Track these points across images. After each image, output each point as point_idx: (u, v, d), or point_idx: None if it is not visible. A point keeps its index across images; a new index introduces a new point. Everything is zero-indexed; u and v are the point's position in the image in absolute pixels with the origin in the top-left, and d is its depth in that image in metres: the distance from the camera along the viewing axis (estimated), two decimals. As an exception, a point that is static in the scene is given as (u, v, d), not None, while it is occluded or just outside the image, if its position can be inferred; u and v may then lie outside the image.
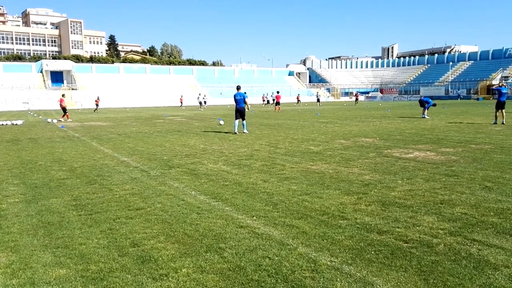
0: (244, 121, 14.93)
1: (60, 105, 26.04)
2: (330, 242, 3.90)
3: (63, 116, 25.54)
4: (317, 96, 51.43)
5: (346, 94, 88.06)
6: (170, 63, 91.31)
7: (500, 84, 18.88)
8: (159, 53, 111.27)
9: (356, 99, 54.19)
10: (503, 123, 16.35)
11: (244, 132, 14.65)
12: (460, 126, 16.05)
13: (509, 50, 77.71)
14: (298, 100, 54.11)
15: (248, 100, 15.57)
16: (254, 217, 4.73)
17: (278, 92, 38.01)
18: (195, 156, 9.58)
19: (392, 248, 3.74)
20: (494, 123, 16.53)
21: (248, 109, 15.18)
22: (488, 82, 70.70)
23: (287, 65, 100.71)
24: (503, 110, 16.78)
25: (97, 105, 42.78)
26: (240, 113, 14.74)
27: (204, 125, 19.37)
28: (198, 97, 44.69)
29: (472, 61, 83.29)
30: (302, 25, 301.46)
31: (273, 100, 39.60)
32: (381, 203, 5.21)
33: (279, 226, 4.42)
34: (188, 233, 4.25)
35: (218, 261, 3.53)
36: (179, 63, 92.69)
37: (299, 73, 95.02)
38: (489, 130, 14.40)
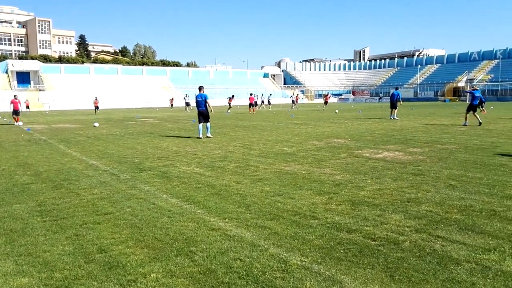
0: (208, 124, 14.16)
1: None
2: (301, 242, 3.94)
3: (17, 118, 23.74)
4: (292, 98, 47.08)
5: (320, 96, 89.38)
6: (143, 63, 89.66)
7: (474, 87, 19.48)
8: (131, 54, 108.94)
9: (325, 102, 44.83)
10: (480, 123, 16.45)
11: (208, 136, 13.94)
12: (427, 127, 16.63)
13: (474, 54, 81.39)
14: (294, 101, 44.97)
15: (210, 102, 14.22)
16: (227, 219, 4.71)
17: (251, 94, 38.01)
18: (168, 158, 9.44)
19: (361, 246, 3.82)
20: (464, 125, 16.90)
21: (211, 111, 14.24)
22: (454, 84, 73.71)
23: (262, 67, 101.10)
24: (475, 113, 17.35)
25: (97, 107, 39.31)
26: (203, 116, 13.91)
27: (178, 127, 19.14)
28: (185, 98, 44.17)
29: (439, 64, 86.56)
30: (276, 27, 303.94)
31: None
32: (351, 202, 5.31)
33: (251, 227, 4.42)
34: (158, 237, 4.18)
35: (189, 265, 3.49)
36: (152, 63, 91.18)
37: (274, 75, 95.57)
38: (454, 130, 14.99)
